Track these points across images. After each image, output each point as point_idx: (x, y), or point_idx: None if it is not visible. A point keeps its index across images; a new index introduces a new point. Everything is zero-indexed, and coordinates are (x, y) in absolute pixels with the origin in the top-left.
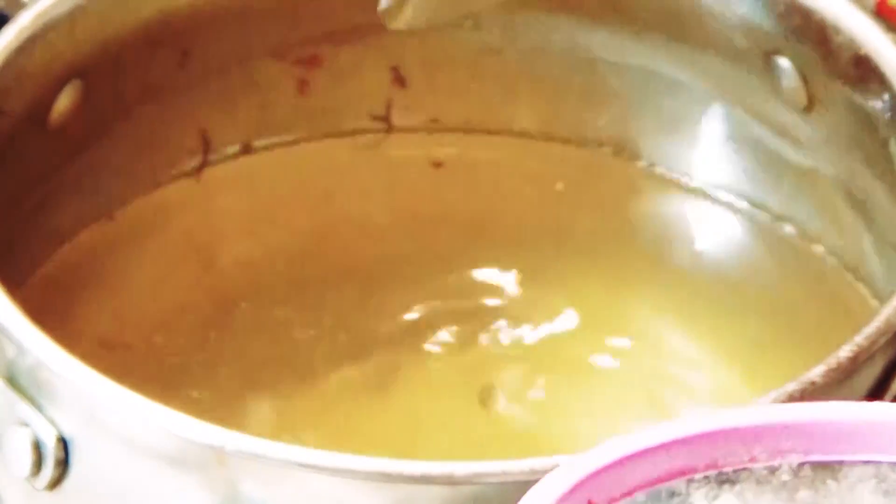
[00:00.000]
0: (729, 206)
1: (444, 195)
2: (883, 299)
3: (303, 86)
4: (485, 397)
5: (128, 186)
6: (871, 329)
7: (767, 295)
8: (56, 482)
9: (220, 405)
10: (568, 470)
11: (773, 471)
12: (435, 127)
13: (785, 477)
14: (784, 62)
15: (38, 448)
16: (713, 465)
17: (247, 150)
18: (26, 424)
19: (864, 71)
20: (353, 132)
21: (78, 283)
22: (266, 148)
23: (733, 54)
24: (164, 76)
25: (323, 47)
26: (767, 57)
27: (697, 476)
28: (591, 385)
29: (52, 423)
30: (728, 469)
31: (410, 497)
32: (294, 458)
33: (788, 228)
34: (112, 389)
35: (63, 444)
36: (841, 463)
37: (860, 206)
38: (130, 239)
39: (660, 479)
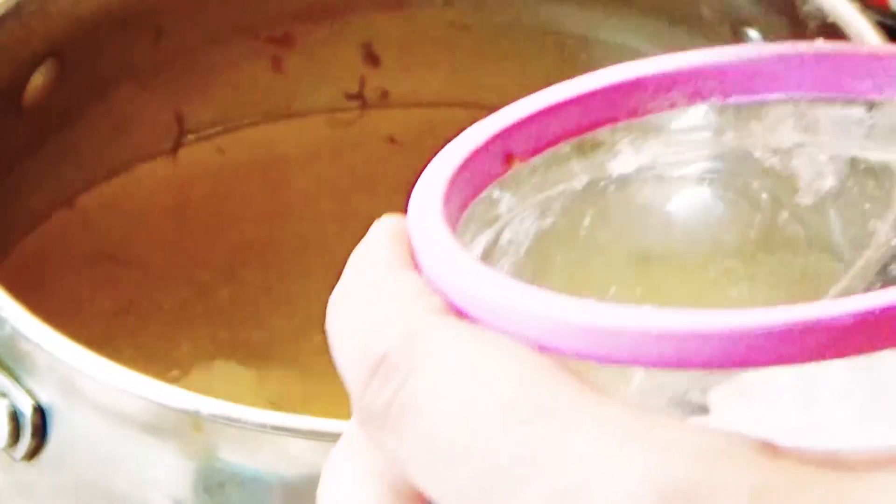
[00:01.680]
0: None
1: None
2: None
3: (276, 64)
4: None
5: (103, 166)
6: None
7: None
8: (34, 452)
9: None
10: (484, 124)
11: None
12: (407, 102)
13: (708, 119)
14: (753, 33)
15: (15, 418)
16: (634, 114)
17: (222, 128)
18: (3, 395)
19: (830, 39)
20: (329, 110)
21: (50, 263)
22: (240, 126)
23: (701, 26)
24: (139, 55)
25: (295, 26)
26: (735, 28)
27: (620, 125)
28: None
29: (30, 393)
30: (650, 116)
31: None
32: (270, 422)
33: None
34: (88, 358)
35: (40, 413)
36: (761, 103)
37: None
38: (103, 218)
39: (581, 130)
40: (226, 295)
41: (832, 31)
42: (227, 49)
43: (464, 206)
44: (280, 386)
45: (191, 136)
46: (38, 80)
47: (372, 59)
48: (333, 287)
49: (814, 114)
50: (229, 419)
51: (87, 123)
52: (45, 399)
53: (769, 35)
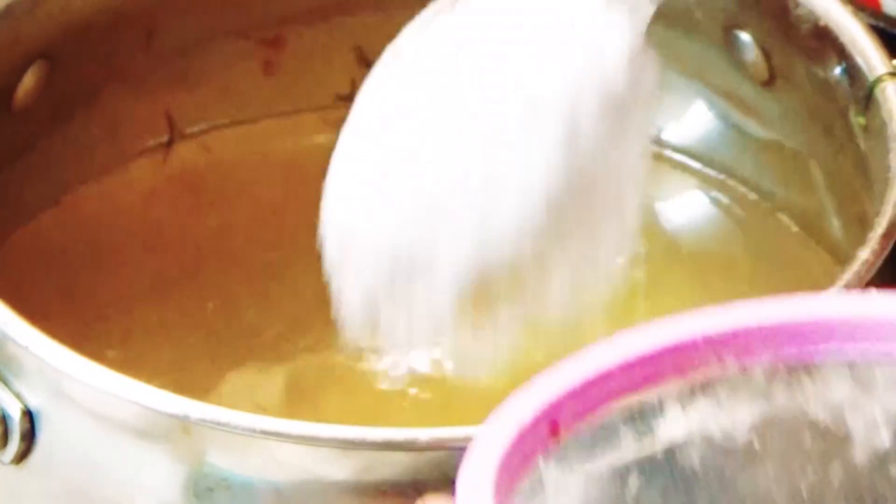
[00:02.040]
0: (693, 172)
1: None
2: (844, 265)
3: (267, 66)
4: None
5: (93, 167)
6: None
7: (729, 259)
8: (23, 455)
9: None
10: (530, 394)
11: (746, 373)
12: None
13: (759, 378)
14: (744, 36)
15: (4, 422)
16: (683, 373)
17: (211, 128)
18: None
19: (823, 42)
20: (319, 109)
21: (34, 264)
22: (229, 125)
23: (696, 29)
24: (129, 57)
25: (287, 27)
26: (727, 31)
27: (668, 385)
28: None
29: (18, 396)
30: (699, 376)
31: (374, 463)
32: (258, 427)
33: (752, 196)
34: (77, 362)
35: (29, 417)
36: (813, 359)
37: (823, 175)
38: (96, 218)
39: (628, 391)
40: (217, 294)
41: (824, 34)
42: (218, 51)
43: (511, 482)
44: (271, 387)
45: (181, 137)
46: (29, 81)
47: (364, 61)
48: (323, 287)
49: (869, 372)
50: (218, 423)
51: (77, 124)
52: (34, 403)
53: (761, 38)
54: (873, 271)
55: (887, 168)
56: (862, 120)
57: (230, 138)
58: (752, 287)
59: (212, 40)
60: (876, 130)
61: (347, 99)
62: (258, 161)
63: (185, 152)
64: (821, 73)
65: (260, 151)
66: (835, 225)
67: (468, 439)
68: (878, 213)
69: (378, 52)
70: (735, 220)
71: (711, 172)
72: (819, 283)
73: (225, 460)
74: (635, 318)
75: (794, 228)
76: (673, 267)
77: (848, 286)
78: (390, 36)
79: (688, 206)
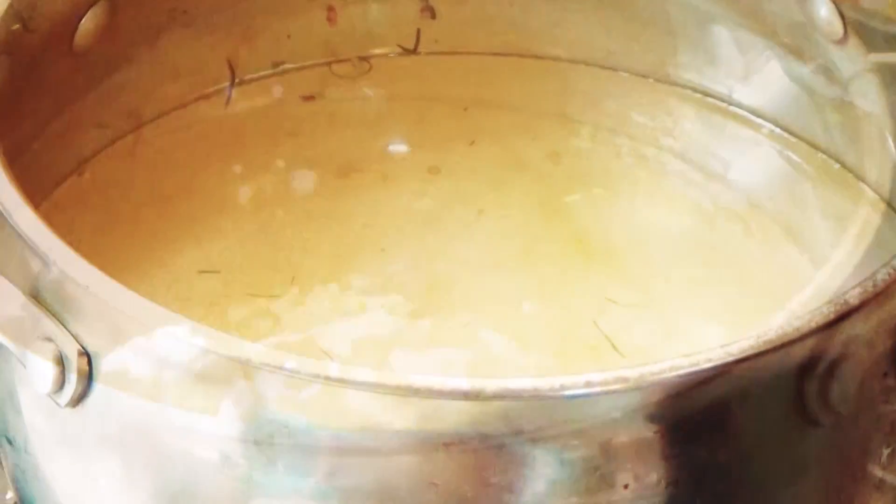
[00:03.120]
0: (763, 131)
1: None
2: None
3: (331, 14)
4: None
5: (153, 110)
6: None
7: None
8: (79, 398)
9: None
10: None
11: None
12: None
13: None
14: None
15: (61, 363)
16: None
17: (271, 75)
18: (49, 339)
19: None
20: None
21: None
22: (292, 71)
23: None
24: (192, 1)
25: None
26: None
27: None
28: None
29: (77, 338)
30: None
31: (437, 413)
32: (321, 373)
33: (823, 157)
34: (138, 302)
35: (87, 358)
36: None
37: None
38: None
39: None
40: (283, 230)
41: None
42: None
43: None
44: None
45: (241, 81)
46: (91, 22)
47: (429, 11)
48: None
49: None
50: (280, 368)
51: (137, 67)
52: (92, 344)
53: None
54: None
55: None
56: None
57: (291, 81)
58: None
59: None
60: None
61: (411, 52)
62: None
63: (245, 95)
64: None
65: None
66: None
67: (535, 390)
68: None
69: (446, 3)
70: (806, 178)
71: (782, 132)
72: (889, 245)
73: (286, 406)
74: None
75: (870, 193)
76: (743, 222)
77: None
78: None
79: (758, 164)
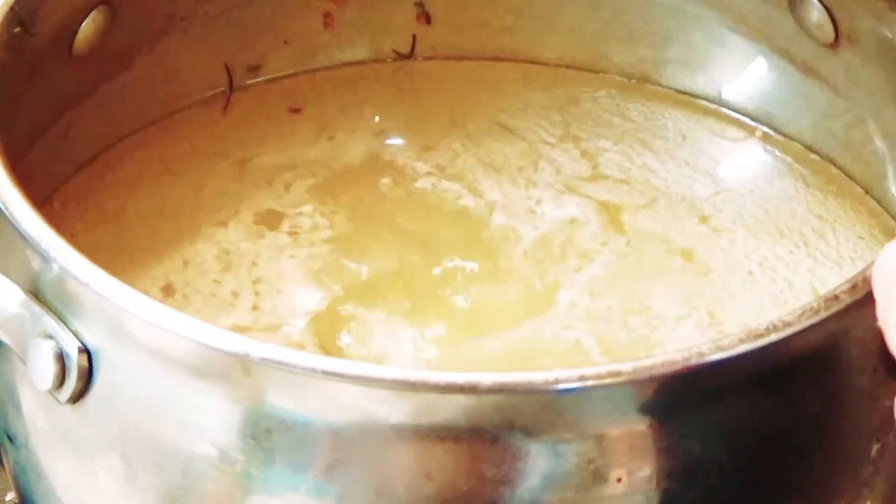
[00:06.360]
0: (753, 132)
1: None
2: None
3: (327, 19)
4: None
5: (151, 113)
6: None
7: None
8: (79, 395)
9: None
10: None
11: None
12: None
13: None
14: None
15: (61, 360)
16: None
17: (268, 80)
18: (50, 336)
19: (890, 2)
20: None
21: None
22: (289, 77)
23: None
24: (190, 6)
25: None
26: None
27: None
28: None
29: (77, 335)
30: None
31: (433, 406)
32: (319, 367)
33: (814, 157)
34: (138, 299)
35: (87, 355)
36: None
37: (888, 139)
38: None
39: None
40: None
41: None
42: (279, 2)
43: None
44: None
45: (239, 87)
46: (90, 27)
47: (424, 17)
48: (385, 203)
49: None
50: (279, 363)
51: (136, 72)
52: (92, 341)
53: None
54: None
55: None
56: None
57: (287, 87)
58: (811, 245)
59: None
60: None
61: (406, 57)
62: (314, 110)
63: (242, 100)
64: (889, 34)
65: (315, 100)
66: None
67: (530, 385)
68: None
69: (440, 9)
70: (798, 177)
71: (771, 133)
72: (879, 243)
73: (284, 401)
74: (700, 272)
75: (858, 191)
76: (735, 224)
77: None
78: None
79: (748, 164)
